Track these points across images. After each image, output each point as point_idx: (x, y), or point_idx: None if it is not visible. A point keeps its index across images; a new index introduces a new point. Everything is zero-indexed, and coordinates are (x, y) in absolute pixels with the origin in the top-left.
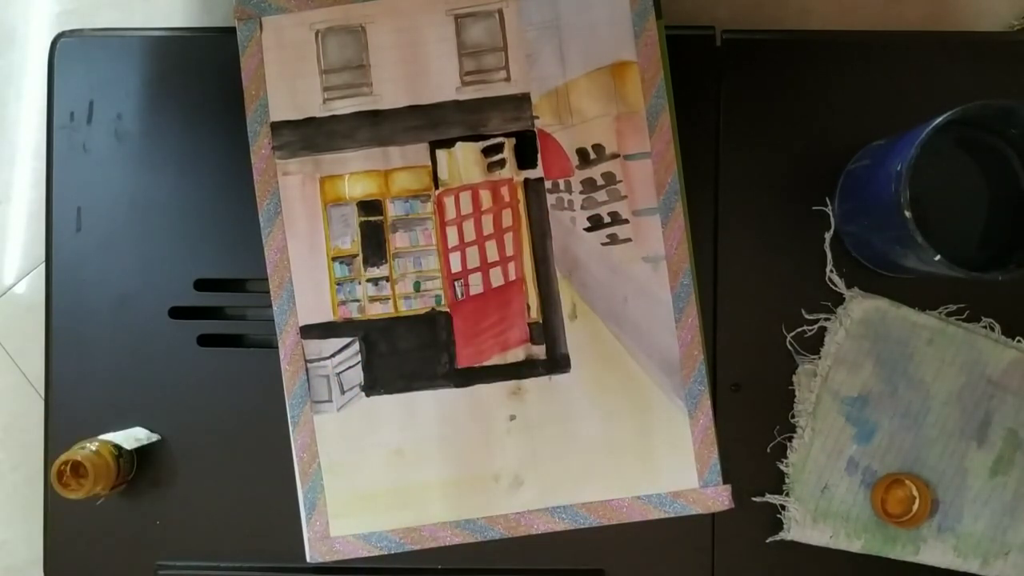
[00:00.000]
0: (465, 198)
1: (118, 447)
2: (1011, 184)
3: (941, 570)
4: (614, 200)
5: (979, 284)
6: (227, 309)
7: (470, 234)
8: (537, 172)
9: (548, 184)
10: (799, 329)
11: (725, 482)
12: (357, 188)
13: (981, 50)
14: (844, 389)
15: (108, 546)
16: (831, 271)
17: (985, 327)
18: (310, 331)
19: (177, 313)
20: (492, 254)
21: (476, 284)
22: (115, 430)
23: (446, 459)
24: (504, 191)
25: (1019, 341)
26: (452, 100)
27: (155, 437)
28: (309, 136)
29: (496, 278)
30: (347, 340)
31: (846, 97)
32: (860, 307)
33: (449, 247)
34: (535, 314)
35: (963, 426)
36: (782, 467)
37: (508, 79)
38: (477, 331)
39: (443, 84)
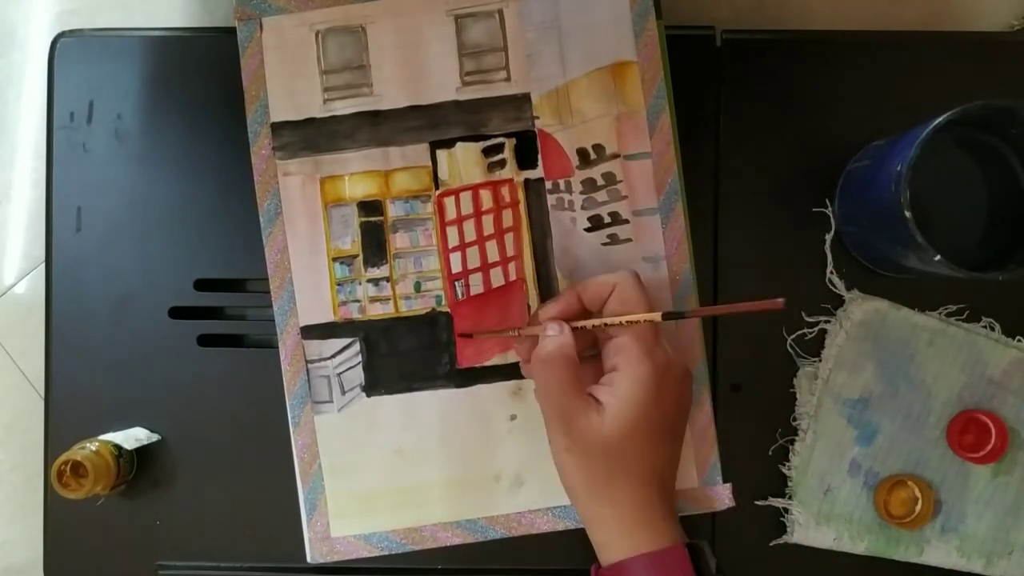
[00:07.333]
0: (465, 198)
1: (118, 447)
2: (1011, 184)
3: (945, 571)
4: (614, 200)
5: (979, 284)
6: (227, 309)
7: (470, 234)
8: (537, 172)
9: (548, 184)
10: (799, 332)
11: (725, 482)
12: (357, 188)
13: (981, 50)
14: (845, 391)
15: (108, 546)
16: (831, 272)
17: (985, 327)
18: (310, 331)
19: (177, 313)
20: (493, 254)
21: (477, 284)
22: (115, 430)
23: (447, 459)
24: (504, 191)
25: (1019, 341)
26: (452, 100)
27: (155, 437)
28: (309, 136)
29: (497, 278)
30: (348, 340)
31: (846, 97)
32: (860, 309)
33: (449, 247)
34: None
35: None
36: (784, 470)
37: (508, 79)
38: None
39: (443, 84)
